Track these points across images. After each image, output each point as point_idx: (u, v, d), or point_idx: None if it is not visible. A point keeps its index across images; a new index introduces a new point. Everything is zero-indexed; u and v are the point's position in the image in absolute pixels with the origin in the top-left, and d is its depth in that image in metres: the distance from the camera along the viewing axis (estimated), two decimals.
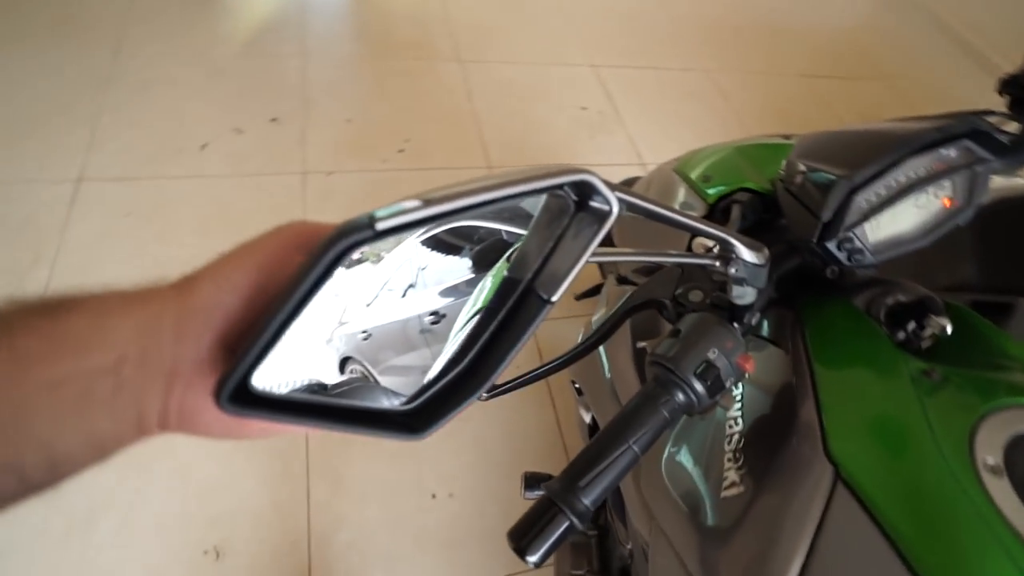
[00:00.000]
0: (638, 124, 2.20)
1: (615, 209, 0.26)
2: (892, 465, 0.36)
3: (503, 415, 1.37)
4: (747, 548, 0.38)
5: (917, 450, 0.36)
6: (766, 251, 0.38)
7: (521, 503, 1.26)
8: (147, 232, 1.50)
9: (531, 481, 0.90)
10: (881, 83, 2.80)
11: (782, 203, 0.51)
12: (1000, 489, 0.34)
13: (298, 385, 0.27)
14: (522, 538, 0.33)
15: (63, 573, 1.03)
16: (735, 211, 0.56)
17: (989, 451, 0.36)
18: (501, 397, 1.54)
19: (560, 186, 0.26)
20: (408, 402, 0.27)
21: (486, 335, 0.27)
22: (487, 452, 1.32)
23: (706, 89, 2.47)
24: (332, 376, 0.42)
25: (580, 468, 0.35)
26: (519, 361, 0.29)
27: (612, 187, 0.27)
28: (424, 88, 2.10)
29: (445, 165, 1.85)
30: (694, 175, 0.72)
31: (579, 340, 0.67)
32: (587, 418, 0.83)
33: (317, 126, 1.86)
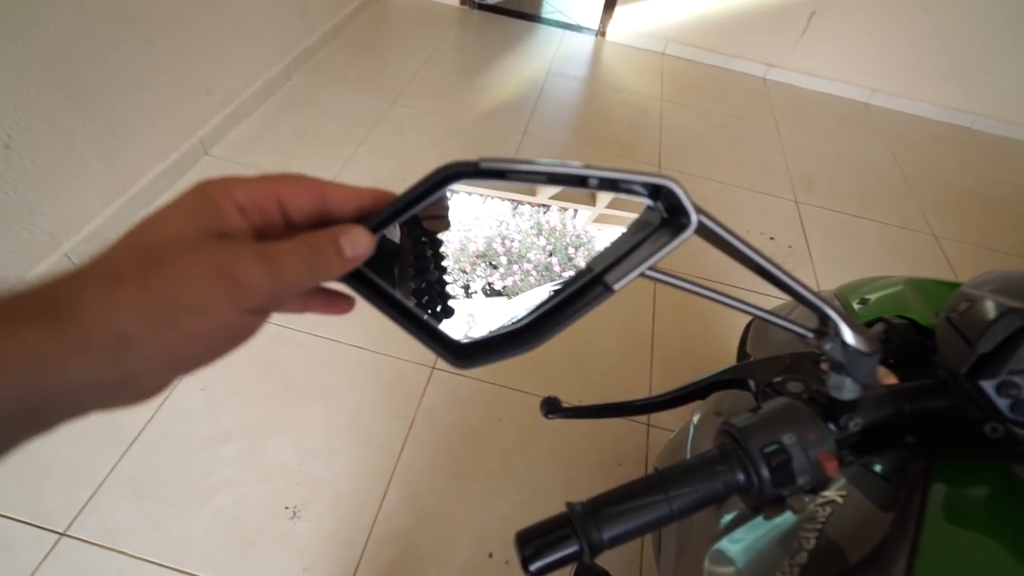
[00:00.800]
0: (829, 268, 2.03)
1: (693, 222, 0.28)
2: None
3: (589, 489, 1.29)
4: None
5: None
6: (876, 340, 0.35)
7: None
8: None
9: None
10: None
11: (938, 333, 0.45)
12: None
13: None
14: (528, 544, 0.32)
15: (191, 470, 1.23)
16: (878, 326, 0.51)
17: None
18: (592, 478, 1.48)
19: (645, 186, 0.29)
20: (464, 337, 0.30)
21: (548, 306, 0.30)
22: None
23: (928, 256, 2.19)
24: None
25: (609, 499, 0.34)
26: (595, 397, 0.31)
27: (698, 208, 0.29)
28: None
29: None
30: (851, 297, 0.66)
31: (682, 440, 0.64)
32: None
33: None
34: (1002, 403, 0.39)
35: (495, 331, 0.31)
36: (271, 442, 1.30)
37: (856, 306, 0.62)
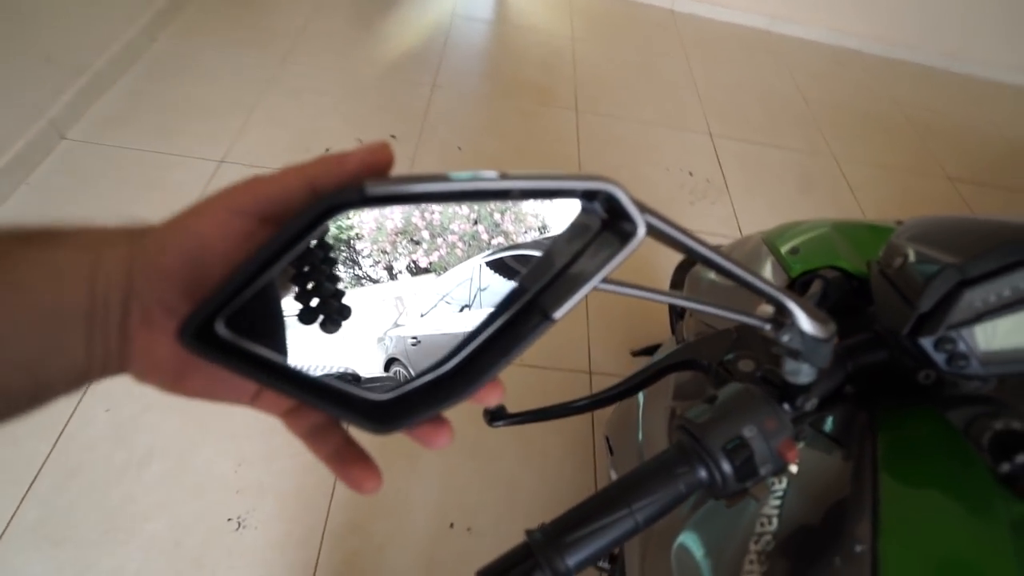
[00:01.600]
0: (746, 199, 2.11)
1: (640, 230, 0.24)
2: None
3: (541, 461, 1.31)
4: None
5: None
6: (832, 325, 0.33)
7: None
8: None
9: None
10: None
11: (874, 287, 0.45)
12: None
13: (333, 370, 0.27)
14: None
15: (111, 501, 1.11)
16: (815, 285, 0.50)
17: None
18: (545, 442, 1.49)
19: (582, 193, 0.24)
20: (384, 392, 0.25)
21: (479, 340, 0.25)
22: (516, 494, 1.26)
23: (832, 177, 2.32)
24: (374, 371, 0.42)
25: (571, 522, 0.31)
26: (547, 395, 0.27)
27: (642, 208, 0.24)
28: (537, 130, 2.18)
29: None
30: (783, 247, 0.66)
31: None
32: (615, 477, 0.77)
33: (429, 149, 1.99)
34: (939, 357, 0.40)
35: (415, 379, 0.27)
36: (200, 454, 1.20)
37: (787, 255, 0.62)
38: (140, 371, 0.22)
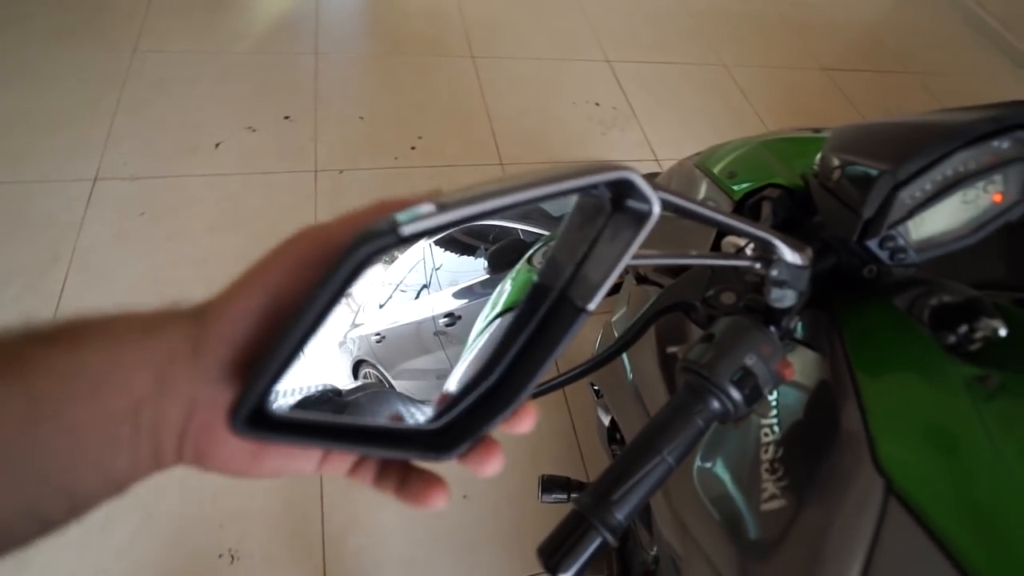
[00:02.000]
0: (653, 120, 2.16)
1: (656, 209, 0.24)
2: (950, 479, 0.33)
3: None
4: (793, 565, 0.35)
5: (977, 462, 0.33)
6: (809, 251, 0.36)
7: (536, 504, 1.23)
8: (161, 230, 1.51)
9: (548, 485, 0.87)
10: (908, 77, 2.72)
11: (817, 200, 0.48)
12: None
13: (312, 391, 0.25)
14: (553, 555, 0.31)
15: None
16: (766, 208, 0.54)
17: None
18: None
19: (596, 185, 0.23)
20: (434, 419, 0.25)
21: (516, 347, 0.25)
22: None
23: (725, 84, 2.42)
24: (345, 380, 0.40)
25: (611, 481, 0.33)
26: None
27: (654, 186, 0.24)
28: (437, 84, 2.08)
29: (457, 162, 1.83)
30: (718, 170, 0.69)
31: (597, 343, 0.65)
32: (606, 420, 0.81)
33: (329, 124, 1.85)
34: (883, 255, 0.44)
35: (461, 394, 0.26)
36: (167, 500, 1.13)
37: (726, 179, 0.64)
38: (210, 466, 0.21)
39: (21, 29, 1.86)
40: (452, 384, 0.28)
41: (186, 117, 1.77)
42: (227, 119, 1.79)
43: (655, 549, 0.66)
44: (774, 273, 0.35)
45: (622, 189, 0.24)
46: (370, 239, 0.17)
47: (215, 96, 1.85)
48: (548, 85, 2.20)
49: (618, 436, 0.81)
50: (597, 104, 2.18)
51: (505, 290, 0.64)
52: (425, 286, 0.88)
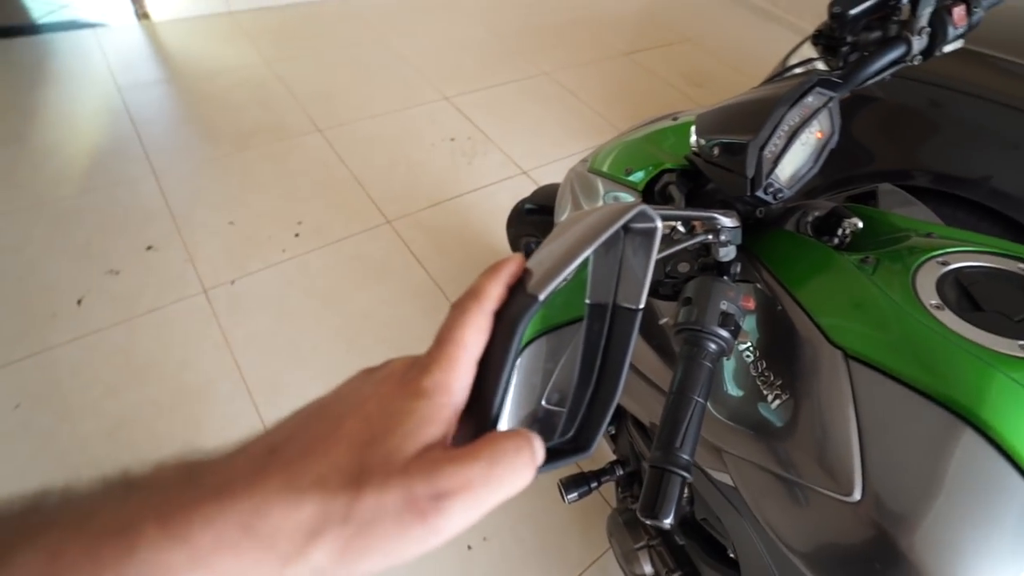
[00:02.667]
0: (507, 138, 2.33)
1: (659, 224, 0.32)
2: (878, 331, 0.46)
3: None
4: (810, 434, 0.46)
5: (888, 313, 0.47)
6: (736, 215, 0.47)
7: (561, 509, 1.28)
8: (46, 417, 1.33)
9: (569, 485, 0.94)
10: (690, 44, 3.21)
11: (707, 173, 0.61)
12: (948, 318, 0.45)
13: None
14: (652, 508, 0.39)
15: None
16: (674, 191, 0.66)
17: (928, 296, 0.47)
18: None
19: (624, 225, 0.31)
20: (562, 434, 0.31)
21: (599, 357, 0.32)
22: None
23: (553, 91, 2.67)
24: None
25: (669, 434, 0.41)
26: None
27: (654, 211, 0.33)
28: (296, 167, 2.07)
29: (345, 235, 1.83)
30: (610, 169, 0.82)
31: None
32: None
33: (200, 239, 1.76)
34: (768, 198, 0.58)
35: (572, 408, 0.33)
36: None
37: (623, 175, 0.77)
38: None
39: None
40: (504, 419, 0.34)
41: (30, 284, 1.58)
42: (80, 270, 1.63)
43: (687, 491, 0.75)
44: (721, 237, 0.46)
45: (631, 218, 0.32)
46: (525, 309, 0.24)
47: (55, 251, 1.67)
48: (402, 135, 2.28)
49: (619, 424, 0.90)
50: (452, 139, 2.30)
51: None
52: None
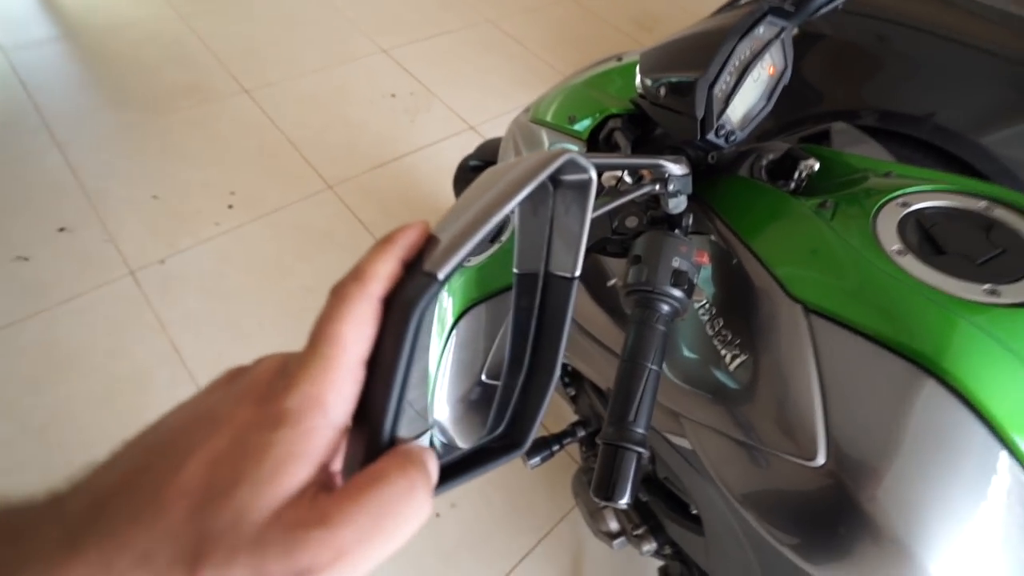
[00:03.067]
0: (451, 92, 2.21)
1: (593, 175, 0.27)
2: (838, 280, 0.43)
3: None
4: (771, 395, 0.43)
5: (847, 261, 0.44)
6: (686, 161, 0.43)
7: (524, 475, 1.27)
8: None
9: (531, 450, 0.92)
10: None
11: (654, 116, 0.56)
12: (910, 264, 0.43)
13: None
14: (607, 489, 0.36)
15: None
16: (620, 138, 0.61)
17: (890, 241, 0.45)
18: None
19: (548, 178, 0.26)
20: (495, 427, 0.26)
21: (531, 334, 0.28)
22: None
23: (498, 39, 2.54)
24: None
25: (621, 406, 0.38)
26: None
27: (586, 159, 0.28)
28: (223, 132, 1.90)
29: (283, 203, 1.71)
30: (553, 119, 0.76)
31: None
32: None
33: (119, 216, 1.61)
34: (719, 141, 0.54)
35: (502, 397, 0.28)
36: None
37: (567, 124, 0.71)
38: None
39: None
40: (440, 399, 0.30)
41: None
42: None
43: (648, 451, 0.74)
44: (670, 187, 0.42)
45: (559, 170, 0.27)
46: (420, 293, 0.19)
47: None
48: (338, 93, 2.12)
49: (569, 371, 0.87)
50: (393, 95, 2.16)
51: (448, 306, 0.65)
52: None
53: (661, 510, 0.82)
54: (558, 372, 0.28)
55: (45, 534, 0.16)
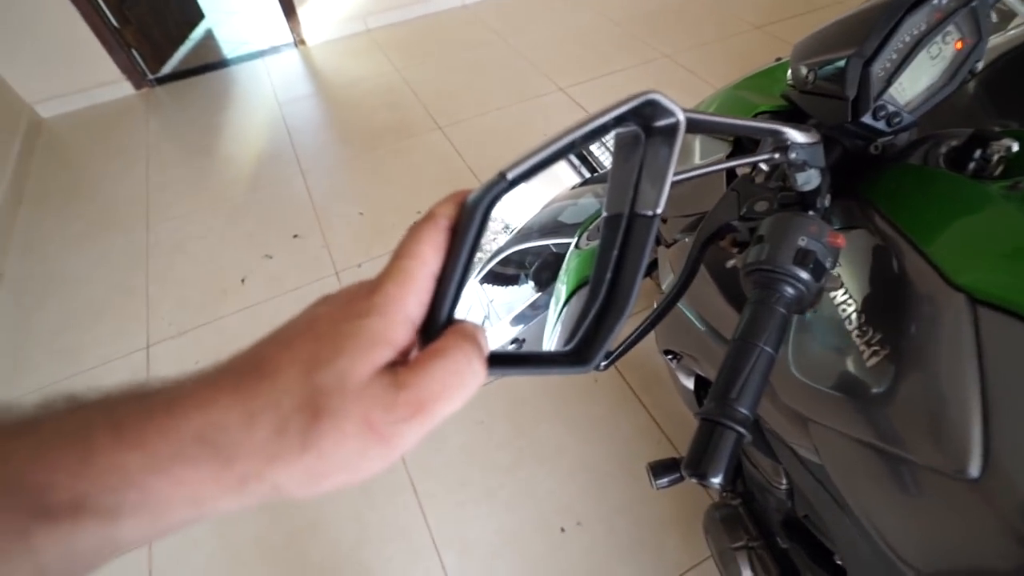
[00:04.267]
0: None
1: (681, 118, 0.29)
2: (1018, 267, 0.36)
3: (598, 432, 1.36)
4: (916, 396, 0.37)
5: None
6: (814, 129, 0.40)
7: (653, 497, 1.22)
8: None
9: (657, 469, 0.88)
10: (834, 9, 2.84)
11: (804, 106, 0.53)
12: None
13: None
14: (699, 464, 0.33)
15: None
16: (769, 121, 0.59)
17: None
18: (589, 408, 1.52)
19: (628, 112, 0.29)
20: (567, 343, 0.29)
21: (611, 268, 0.30)
22: (596, 471, 1.30)
23: (674, 72, 2.55)
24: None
25: (726, 382, 0.36)
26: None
27: (674, 102, 0.30)
28: (418, 162, 2.22)
29: None
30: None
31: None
32: (689, 383, 0.83)
33: (334, 228, 1.98)
34: (880, 125, 0.49)
35: (579, 320, 0.30)
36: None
37: None
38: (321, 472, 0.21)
39: (43, 249, 2.05)
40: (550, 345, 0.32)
41: (208, 266, 1.90)
42: (244, 255, 1.92)
43: (785, 481, 0.66)
44: (793, 156, 0.40)
45: (649, 114, 0.30)
46: (490, 187, 0.23)
47: (228, 240, 1.99)
48: (517, 128, 2.33)
49: (704, 394, 0.83)
50: None
51: (565, 280, 0.69)
52: (487, 317, 0.95)
53: (801, 559, 0.72)
54: (634, 299, 0.29)
55: (185, 383, 0.21)
